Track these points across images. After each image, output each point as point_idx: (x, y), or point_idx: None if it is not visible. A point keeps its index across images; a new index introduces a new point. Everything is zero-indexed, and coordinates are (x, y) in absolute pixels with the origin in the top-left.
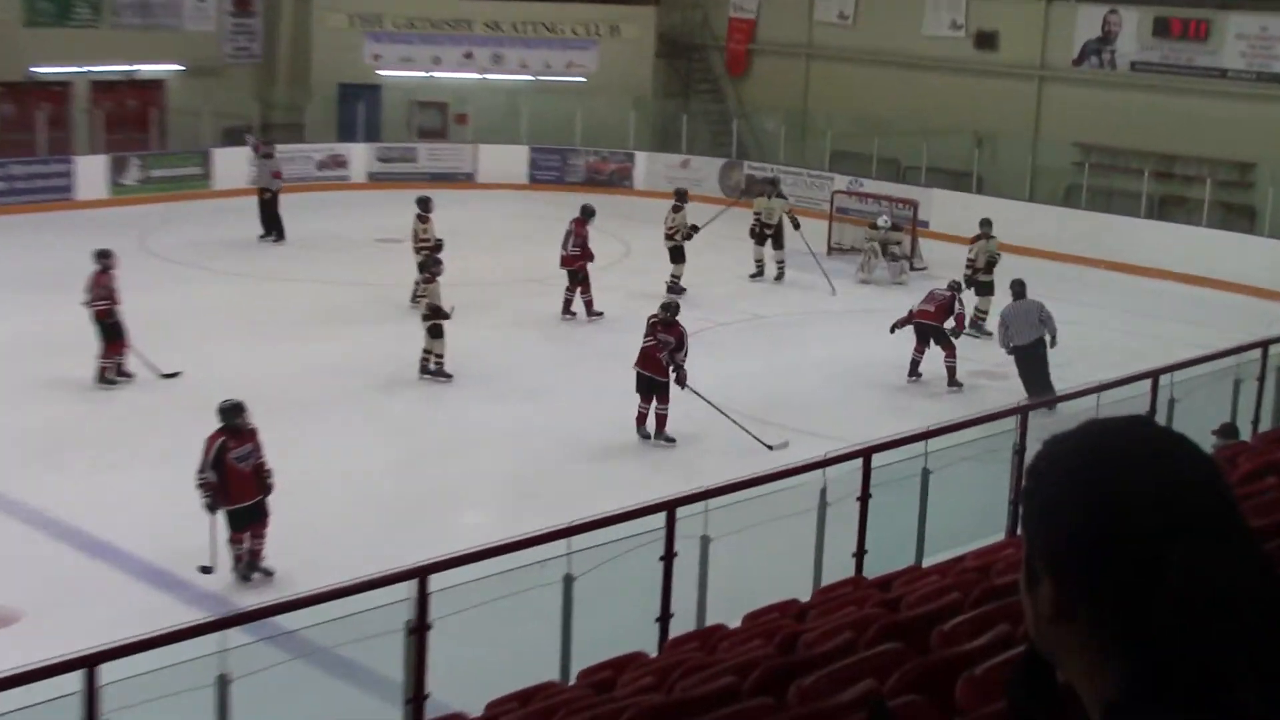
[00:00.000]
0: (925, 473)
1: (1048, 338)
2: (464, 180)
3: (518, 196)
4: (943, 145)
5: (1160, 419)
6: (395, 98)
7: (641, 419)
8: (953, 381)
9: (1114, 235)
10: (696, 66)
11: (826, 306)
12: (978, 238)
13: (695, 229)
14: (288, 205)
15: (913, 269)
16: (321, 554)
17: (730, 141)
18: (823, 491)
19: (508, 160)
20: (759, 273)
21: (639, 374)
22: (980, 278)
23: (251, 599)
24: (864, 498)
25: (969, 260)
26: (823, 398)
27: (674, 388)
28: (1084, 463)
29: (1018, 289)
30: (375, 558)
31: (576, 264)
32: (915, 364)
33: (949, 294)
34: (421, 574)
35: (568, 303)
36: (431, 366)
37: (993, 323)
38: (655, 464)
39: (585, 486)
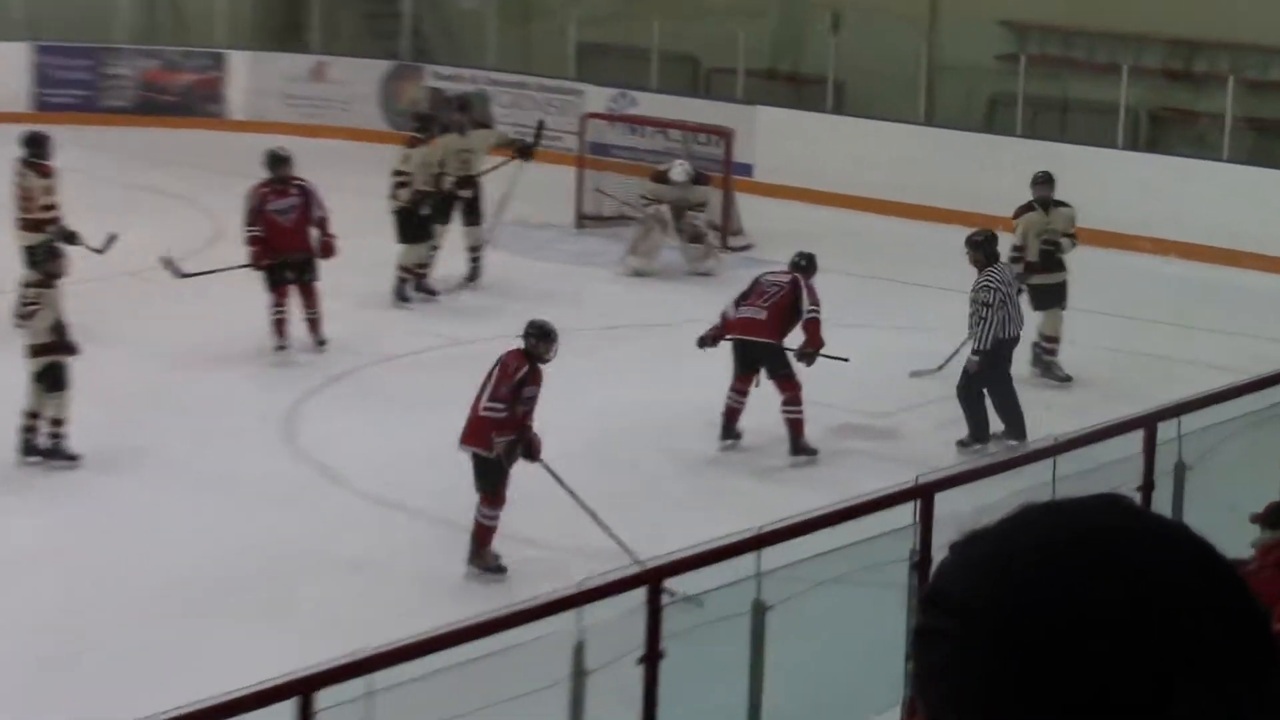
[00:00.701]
0: (759, 608)
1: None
2: None
3: (11, 135)
4: (775, 32)
5: (1159, 500)
6: None
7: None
8: (799, 446)
9: (1072, 180)
10: None
11: (577, 320)
12: (1026, 208)
13: (471, 180)
14: None
15: (727, 248)
16: None
17: (399, 32)
18: (577, 650)
19: None
20: (404, 279)
21: (478, 459)
22: (1036, 279)
23: None
24: (651, 658)
25: (1014, 249)
26: (572, 480)
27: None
28: (1016, 579)
29: (988, 244)
30: None
31: (258, 247)
32: (733, 414)
33: (788, 280)
34: None
35: (278, 322)
36: (43, 441)
37: (1072, 357)
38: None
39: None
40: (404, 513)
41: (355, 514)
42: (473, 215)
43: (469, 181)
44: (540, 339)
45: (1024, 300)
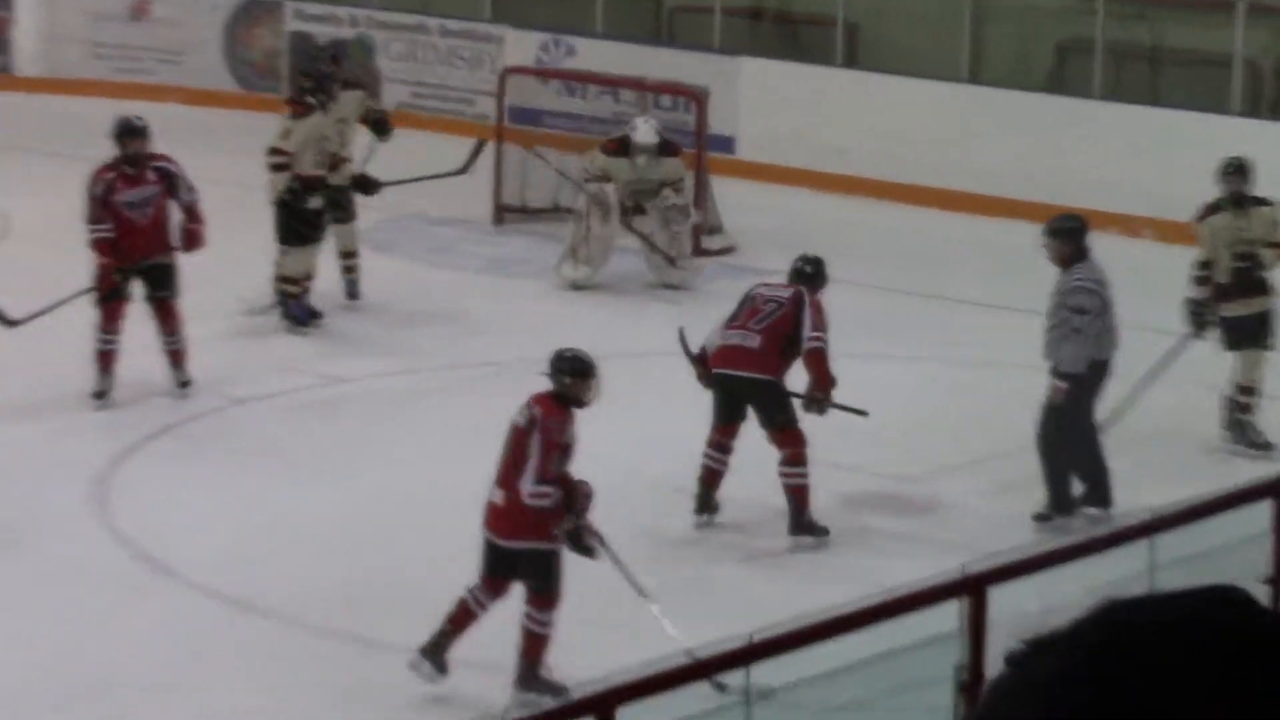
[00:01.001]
0: None
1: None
2: None
3: None
4: None
5: None
6: None
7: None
8: (803, 522)
9: (1170, 158)
10: None
11: (497, 350)
12: (1212, 209)
13: (375, 185)
14: None
15: (701, 251)
16: None
17: None
18: None
19: None
20: (293, 294)
21: (497, 549)
22: (1228, 309)
23: None
24: None
25: (1200, 266)
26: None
27: None
28: (1088, 700)
29: (1077, 234)
30: None
31: (108, 254)
32: (712, 478)
33: (789, 296)
34: None
35: (103, 355)
36: None
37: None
38: None
39: None
40: (254, 613)
41: (188, 613)
42: (343, 209)
43: (374, 185)
44: (576, 377)
45: (1214, 336)
